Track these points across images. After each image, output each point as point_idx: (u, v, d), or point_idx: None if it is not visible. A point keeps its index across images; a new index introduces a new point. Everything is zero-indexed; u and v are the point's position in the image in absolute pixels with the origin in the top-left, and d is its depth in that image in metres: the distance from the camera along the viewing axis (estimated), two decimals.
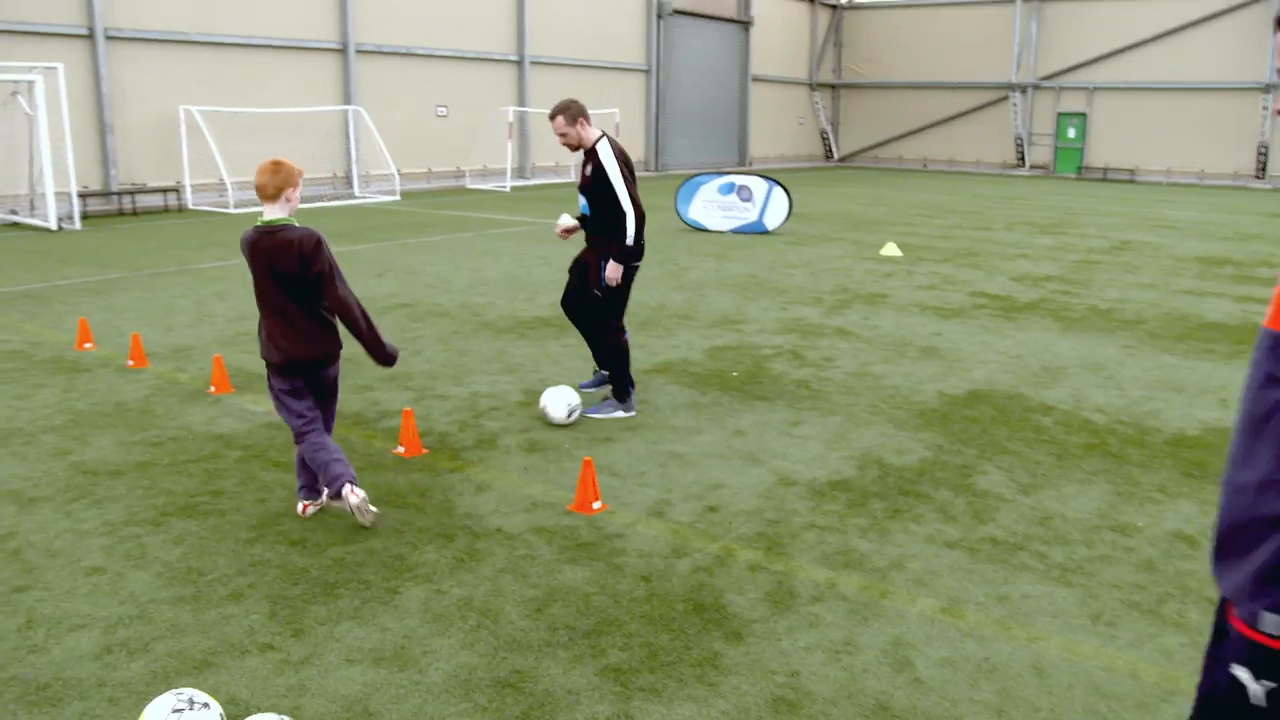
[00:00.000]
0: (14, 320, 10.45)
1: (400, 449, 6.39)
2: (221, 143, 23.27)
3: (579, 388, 7.57)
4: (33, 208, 20.50)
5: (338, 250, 15.32)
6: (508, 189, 28.81)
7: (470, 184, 30.30)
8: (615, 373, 7.16)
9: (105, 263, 14.68)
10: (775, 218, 18.92)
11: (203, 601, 4.43)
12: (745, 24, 42.30)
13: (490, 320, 10.54)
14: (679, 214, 19.68)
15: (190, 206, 23.49)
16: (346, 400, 7.51)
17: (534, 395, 7.72)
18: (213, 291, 12.14)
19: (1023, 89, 42.53)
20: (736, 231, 18.95)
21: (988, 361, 9.10)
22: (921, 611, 4.49)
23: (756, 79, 43.35)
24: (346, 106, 26.51)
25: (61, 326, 10.20)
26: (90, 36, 22.09)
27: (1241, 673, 1.79)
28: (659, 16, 37.45)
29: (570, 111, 6.79)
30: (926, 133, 46.20)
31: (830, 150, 48.92)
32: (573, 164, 33.97)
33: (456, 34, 29.82)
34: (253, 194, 24.73)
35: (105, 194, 22.35)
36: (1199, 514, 5.63)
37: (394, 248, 16.28)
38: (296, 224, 5.08)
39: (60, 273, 13.79)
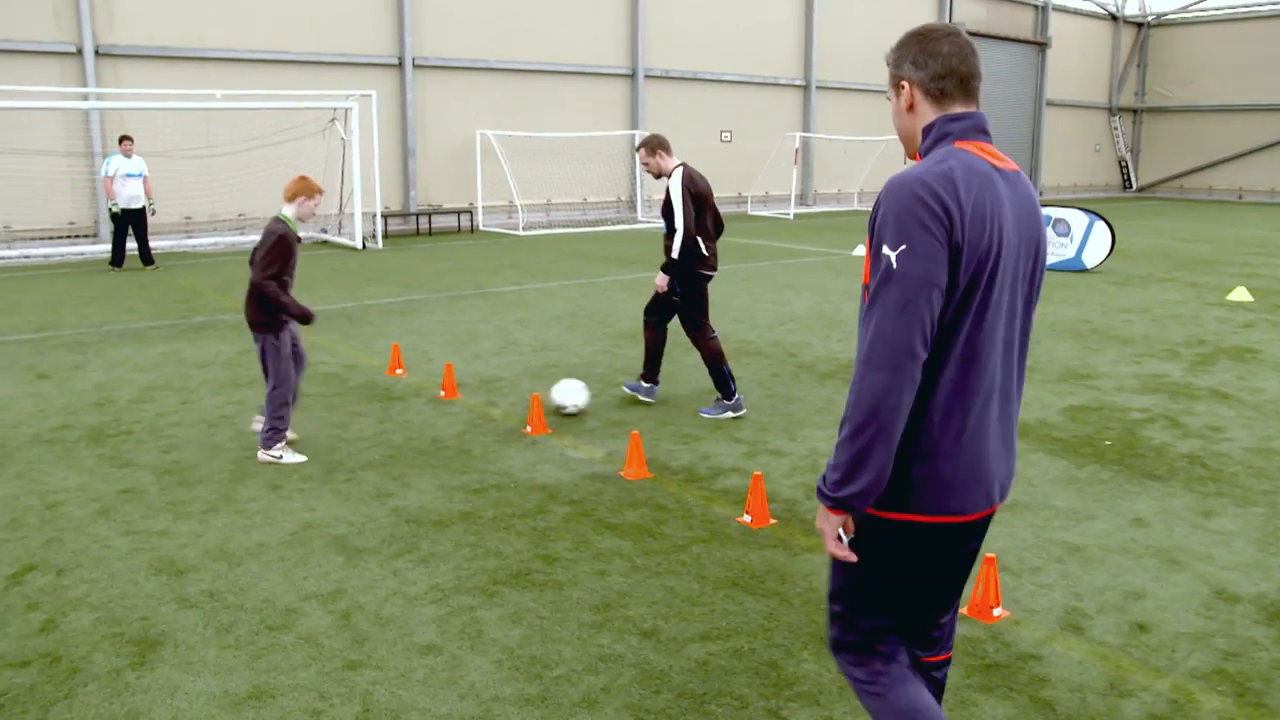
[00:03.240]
0: (330, 340, 10.51)
1: (747, 518, 5.59)
2: (513, 166, 23.70)
3: (623, 385, 8.44)
4: (340, 227, 21.45)
5: (626, 277, 14.81)
6: (790, 216, 28.01)
7: (751, 210, 29.71)
8: (716, 375, 7.71)
9: (408, 283, 14.89)
10: (1095, 255, 17.13)
11: (552, 705, 3.75)
12: (1041, 45, 39.80)
13: (808, 362, 9.67)
14: None
15: (481, 228, 24.03)
16: (674, 452, 6.82)
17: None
18: (514, 318, 11.90)
19: None
20: (1051, 269, 17.29)
21: None
22: None
23: (1051, 103, 40.68)
24: (633, 131, 26.52)
25: (372, 349, 10.13)
26: (399, 65, 23.00)
27: None
28: None
29: (650, 145, 7.73)
30: (1244, 160, 41.87)
31: (1128, 180, 45.28)
32: (854, 192, 32.82)
33: (742, 59, 29.38)
34: (542, 216, 25.12)
35: (404, 214, 23.18)
36: None
37: None
38: (290, 224, 6.49)
39: (367, 292, 14.04)
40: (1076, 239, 17.24)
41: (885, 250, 2.32)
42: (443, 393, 8.25)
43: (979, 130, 2.49)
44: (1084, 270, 17.06)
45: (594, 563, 5.02)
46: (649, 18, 26.89)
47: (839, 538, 2.49)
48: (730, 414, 7.73)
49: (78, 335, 10.92)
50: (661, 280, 7.64)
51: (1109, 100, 44.06)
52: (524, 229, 23.33)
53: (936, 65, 2.50)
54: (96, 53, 19.37)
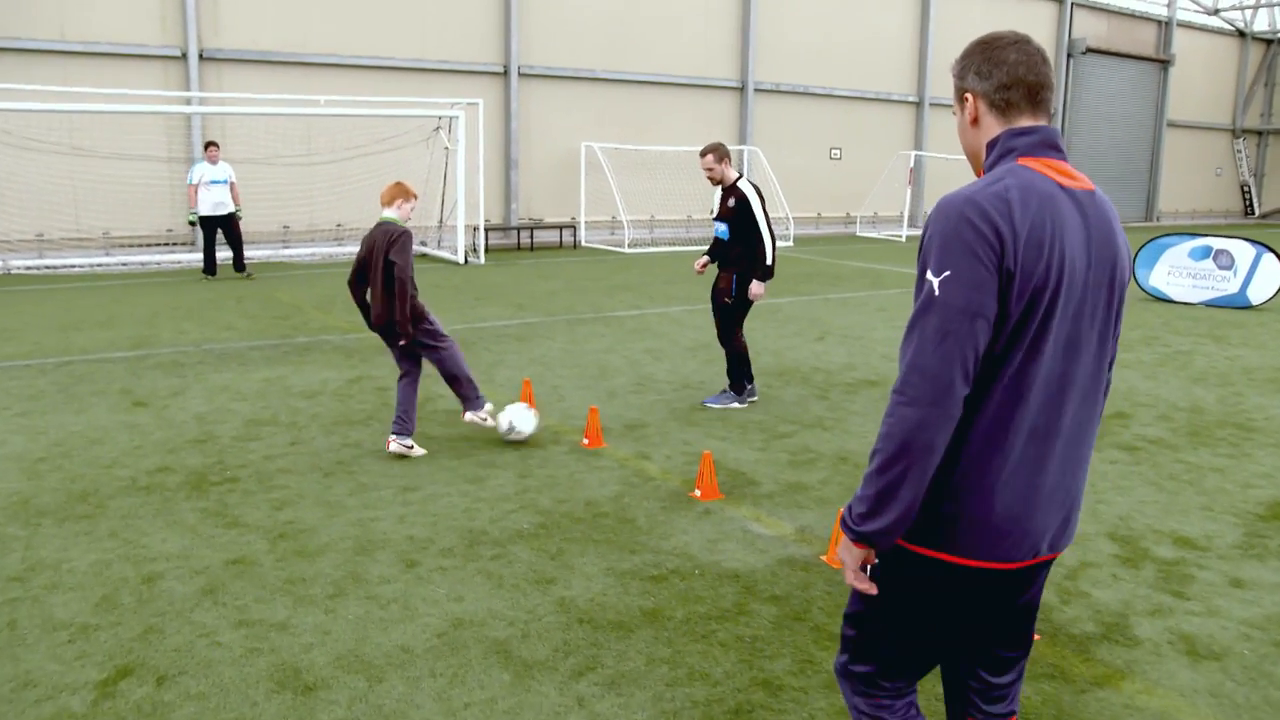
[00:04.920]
0: None
1: None
2: (618, 180, 22.76)
3: (703, 404, 8.41)
4: (440, 241, 20.67)
5: (764, 303, 13.46)
6: (903, 239, 26.63)
7: (860, 232, 28.39)
8: (734, 370, 8.21)
9: (519, 303, 13.95)
10: (1263, 290, 15.51)
11: None
12: (1164, 63, 37.83)
13: None
14: (1136, 280, 16.72)
15: (583, 244, 23.11)
16: None
17: (1121, 537, 5.55)
18: (642, 348, 10.84)
19: None
20: (1209, 305, 15.75)
21: None
22: None
23: (1172, 124, 38.64)
24: (743, 146, 25.42)
25: (495, 381, 9.15)
26: (504, 74, 22.21)
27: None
28: (1069, 55, 34.06)
29: (719, 152, 8.03)
30: None
31: (1251, 205, 42.93)
32: None
33: (854, 73, 28.14)
34: (646, 233, 24.14)
35: (505, 228, 22.36)
36: None
37: (817, 304, 14.56)
38: (399, 223, 6.67)
39: (477, 313, 13.12)
40: (1241, 273, 15.66)
41: (929, 275, 2.17)
42: (586, 440, 7.20)
43: (1048, 146, 2.28)
44: (1249, 307, 15.49)
45: (828, 695, 3.89)
46: (760, 29, 25.79)
47: (861, 569, 2.36)
48: (735, 404, 8.23)
49: (175, 355, 10.12)
50: (759, 288, 7.99)
51: (1233, 122, 41.81)
52: (630, 246, 22.35)
53: (1002, 74, 2.32)
54: (201, 57, 18.86)
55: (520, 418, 7.06)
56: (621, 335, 11.58)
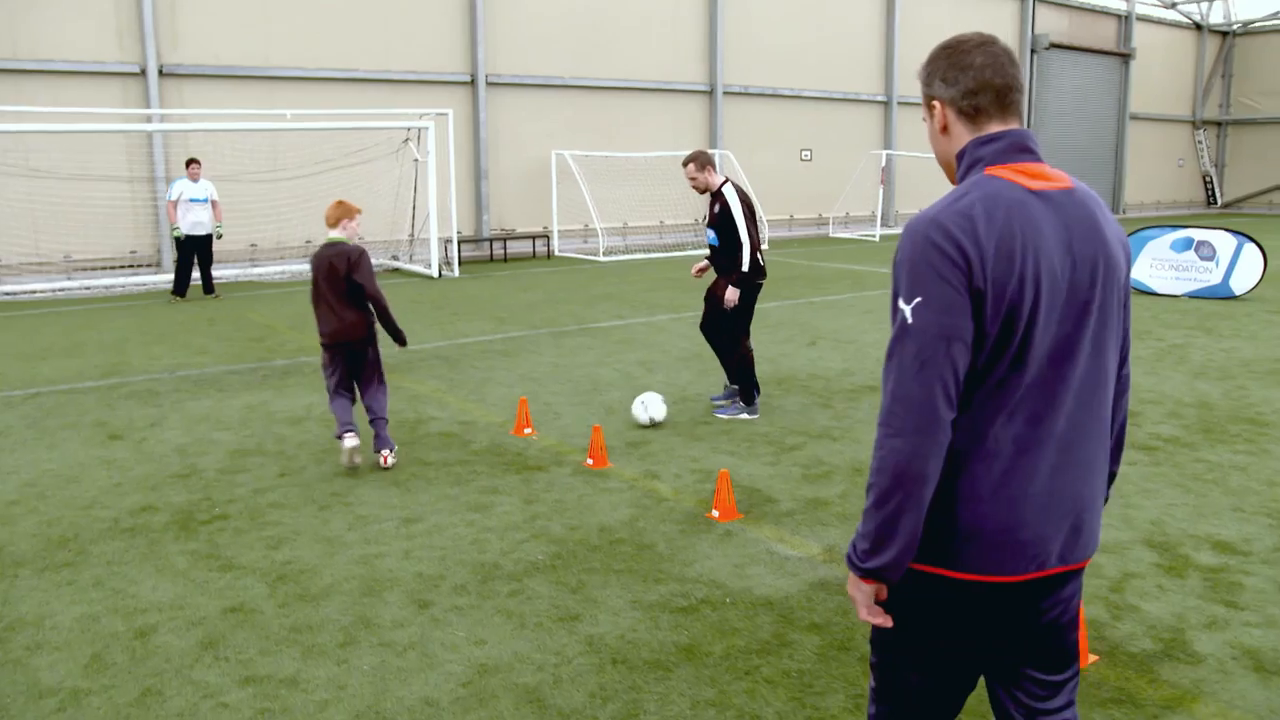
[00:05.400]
0: (434, 390, 9.20)
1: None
2: (590, 187, 22.48)
3: (710, 400, 8.47)
4: (412, 255, 20.29)
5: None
6: (876, 238, 26.50)
7: (833, 233, 28.25)
8: (743, 380, 8.05)
9: (500, 317, 13.61)
10: (1245, 280, 15.48)
11: None
12: (1125, 57, 38.04)
13: None
14: None
15: (557, 253, 22.80)
16: None
17: (1158, 544, 5.32)
18: (634, 359, 10.54)
19: None
20: (1193, 296, 15.69)
21: None
22: None
23: (1134, 117, 38.86)
24: (714, 150, 25.21)
25: (487, 400, 8.82)
26: (471, 83, 21.88)
27: None
28: (1033, 51, 34.16)
29: (700, 160, 7.98)
30: None
31: (1213, 195, 43.26)
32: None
33: (822, 74, 28.02)
34: (619, 240, 23.86)
35: (477, 240, 22.00)
36: None
37: (802, 308, 14.33)
38: (349, 243, 6.74)
39: (458, 328, 12.78)
40: (1223, 263, 15.61)
41: (900, 303, 2.14)
42: (590, 460, 6.89)
43: (1018, 149, 2.22)
44: (1233, 298, 15.43)
45: None
46: (727, 32, 25.60)
47: (873, 604, 2.29)
48: (745, 415, 8.06)
49: (149, 383, 9.71)
50: (733, 294, 7.80)
51: (1193, 113, 42.13)
52: (605, 255, 22.05)
53: (968, 80, 2.25)
54: (160, 73, 18.37)
55: (659, 404, 7.80)
56: (609, 347, 11.28)
